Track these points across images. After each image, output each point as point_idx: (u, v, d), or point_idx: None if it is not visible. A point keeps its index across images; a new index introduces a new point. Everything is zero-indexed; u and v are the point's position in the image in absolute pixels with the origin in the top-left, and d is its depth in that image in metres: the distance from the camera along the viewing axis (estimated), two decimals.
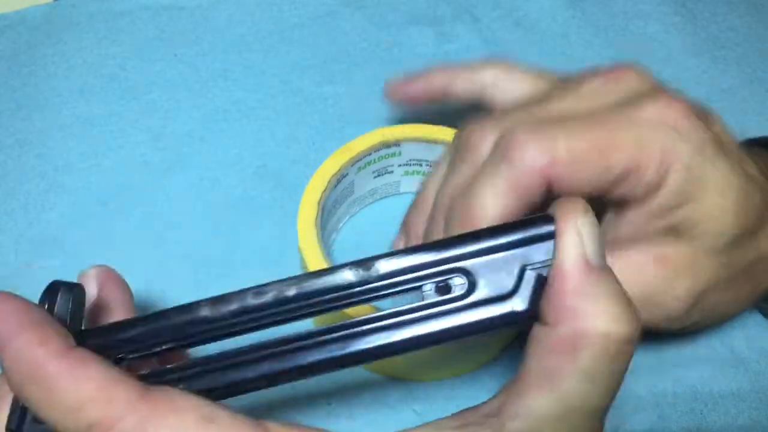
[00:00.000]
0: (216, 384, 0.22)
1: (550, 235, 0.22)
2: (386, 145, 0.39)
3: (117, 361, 0.23)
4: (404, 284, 0.22)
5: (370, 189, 0.42)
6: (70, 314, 0.23)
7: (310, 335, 0.22)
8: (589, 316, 0.21)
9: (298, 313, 0.23)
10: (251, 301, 0.22)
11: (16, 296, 0.21)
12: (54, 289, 0.23)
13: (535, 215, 0.23)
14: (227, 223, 0.43)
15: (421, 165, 0.41)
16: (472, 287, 0.22)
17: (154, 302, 0.40)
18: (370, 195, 0.43)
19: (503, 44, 0.53)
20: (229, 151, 0.46)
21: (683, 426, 0.37)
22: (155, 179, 0.45)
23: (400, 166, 0.41)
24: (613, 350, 0.21)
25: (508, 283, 0.22)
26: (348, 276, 0.22)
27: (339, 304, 0.23)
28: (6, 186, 0.44)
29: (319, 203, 0.36)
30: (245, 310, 0.22)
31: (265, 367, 0.22)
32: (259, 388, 0.22)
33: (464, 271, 0.22)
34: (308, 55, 0.52)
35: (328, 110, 0.49)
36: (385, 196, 0.44)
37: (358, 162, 0.39)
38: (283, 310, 0.22)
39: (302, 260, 0.36)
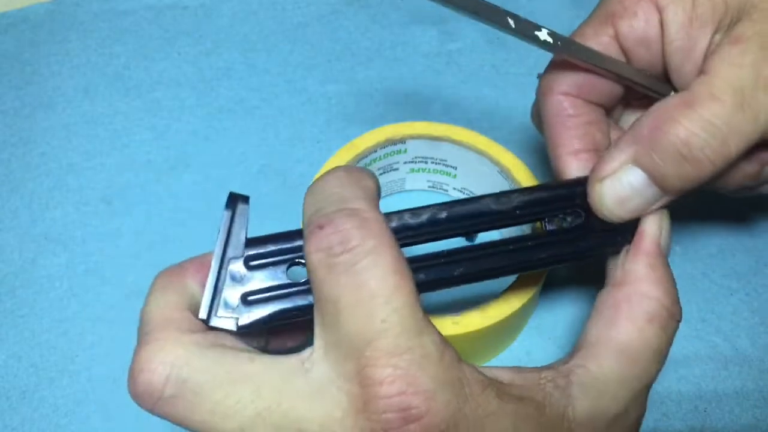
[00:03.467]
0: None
1: None
2: (392, 142, 0.39)
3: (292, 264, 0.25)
4: (535, 215, 0.27)
5: None
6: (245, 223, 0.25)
7: (476, 248, 0.27)
8: (650, 283, 0.26)
9: (448, 233, 0.27)
10: (409, 220, 0.26)
11: None
12: (234, 199, 0.25)
13: None
14: None
15: (426, 162, 0.41)
16: (587, 221, 0.28)
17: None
18: None
19: (507, 43, 0.53)
20: (233, 150, 0.47)
21: (687, 424, 0.37)
22: (159, 178, 0.45)
23: (405, 163, 0.41)
24: (663, 317, 0.25)
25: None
26: (489, 204, 0.27)
27: (477, 228, 0.27)
28: (10, 184, 0.44)
29: None
30: (405, 227, 0.26)
31: (440, 272, 0.26)
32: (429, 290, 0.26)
33: (582, 208, 0.28)
34: (312, 54, 0.52)
35: (331, 109, 0.49)
36: (391, 194, 0.44)
37: (364, 159, 0.39)
38: (436, 229, 0.26)
39: None
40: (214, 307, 0.24)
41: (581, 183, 0.28)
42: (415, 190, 0.44)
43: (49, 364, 0.38)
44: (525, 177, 0.38)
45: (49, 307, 0.40)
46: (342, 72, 0.51)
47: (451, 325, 0.33)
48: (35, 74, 0.50)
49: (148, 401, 0.22)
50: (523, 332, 0.40)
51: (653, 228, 0.27)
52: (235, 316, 0.24)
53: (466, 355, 0.36)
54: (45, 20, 0.53)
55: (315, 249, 0.22)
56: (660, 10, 0.28)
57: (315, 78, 0.50)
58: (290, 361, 0.22)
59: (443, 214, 0.26)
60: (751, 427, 0.37)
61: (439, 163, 0.41)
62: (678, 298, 0.26)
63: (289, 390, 0.21)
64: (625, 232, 0.27)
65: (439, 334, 0.22)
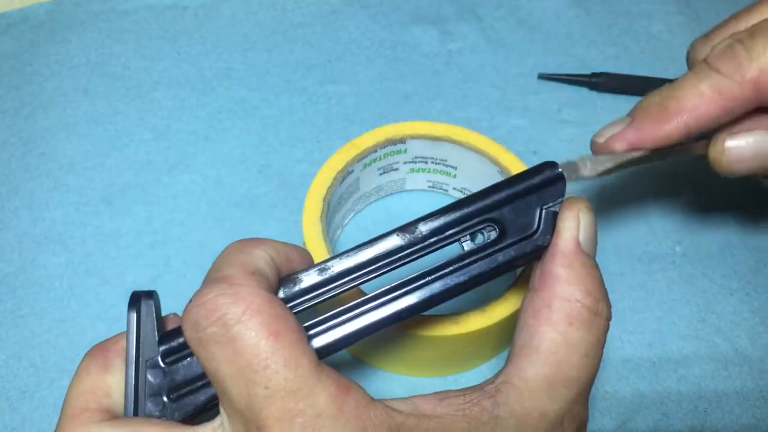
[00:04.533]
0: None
1: (560, 177, 0.27)
2: (392, 142, 0.39)
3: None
4: (446, 239, 0.26)
5: (375, 186, 0.42)
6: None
7: (392, 289, 0.26)
8: (569, 284, 0.25)
9: (365, 279, 0.26)
10: (317, 277, 0.25)
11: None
12: (136, 299, 0.25)
13: (543, 163, 0.27)
14: (231, 222, 0.43)
15: (426, 162, 0.41)
16: (503, 233, 0.26)
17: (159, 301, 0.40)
18: (376, 192, 0.43)
19: (507, 43, 0.53)
20: (233, 149, 0.47)
21: (687, 424, 0.37)
22: (159, 178, 0.45)
23: (405, 163, 0.41)
24: (585, 317, 0.24)
25: (532, 224, 0.26)
26: (396, 241, 0.26)
27: (391, 267, 0.26)
28: (10, 184, 0.44)
29: (324, 200, 0.36)
30: (314, 286, 0.26)
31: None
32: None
33: (494, 221, 0.26)
34: (312, 54, 0.52)
35: (331, 109, 0.49)
36: (391, 193, 0.44)
37: (364, 159, 0.39)
38: (351, 278, 0.26)
39: None
40: (139, 411, 0.24)
41: (488, 194, 0.27)
42: (415, 190, 0.44)
43: (49, 364, 0.38)
44: None
45: (49, 307, 0.40)
46: (342, 72, 0.51)
47: (451, 325, 0.33)
48: (35, 74, 0.50)
49: None
50: None
51: (569, 225, 0.26)
52: (163, 416, 0.24)
53: (467, 355, 0.37)
54: (45, 20, 0.53)
55: (187, 326, 0.22)
56: None
57: (315, 78, 0.50)
58: (205, 430, 0.22)
59: (347, 264, 0.26)
60: (751, 427, 0.37)
61: (439, 163, 0.41)
62: (603, 295, 0.25)
63: None
64: (544, 236, 0.26)
65: (337, 378, 0.21)
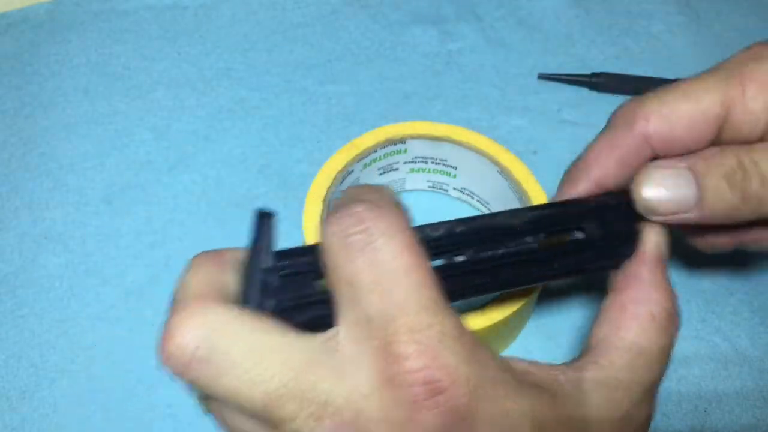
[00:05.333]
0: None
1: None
2: (392, 142, 0.39)
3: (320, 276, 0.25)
4: (544, 229, 0.28)
5: None
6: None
7: (484, 261, 0.27)
8: (653, 287, 0.27)
9: (465, 246, 0.27)
10: (429, 232, 0.26)
11: None
12: (264, 217, 0.25)
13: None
14: (231, 222, 0.43)
15: (426, 162, 0.41)
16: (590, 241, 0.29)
17: (159, 301, 0.40)
18: None
19: (507, 43, 0.53)
20: (233, 150, 0.47)
21: (687, 424, 0.37)
22: (159, 178, 0.45)
23: (405, 163, 0.41)
24: (665, 318, 0.26)
25: (616, 236, 0.29)
26: (511, 221, 0.28)
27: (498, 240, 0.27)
28: (10, 184, 0.44)
29: (324, 200, 0.36)
30: (426, 239, 0.26)
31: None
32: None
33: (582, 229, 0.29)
34: (312, 54, 0.52)
35: (331, 109, 0.49)
36: None
37: (364, 159, 0.39)
38: (453, 242, 0.27)
39: None
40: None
41: (586, 201, 0.29)
42: (415, 190, 0.44)
43: (49, 364, 0.38)
44: (524, 177, 0.38)
45: (49, 307, 0.40)
46: (342, 72, 0.51)
47: None
48: (35, 74, 0.50)
49: (178, 364, 0.22)
50: (523, 332, 0.40)
51: (656, 238, 0.28)
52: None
53: None
54: (45, 20, 0.53)
55: (330, 232, 0.22)
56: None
57: (315, 78, 0.50)
58: (318, 339, 0.22)
59: (460, 228, 0.27)
60: (751, 427, 0.37)
61: (439, 163, 0.41)
62: (678, 306, 0.27)
63: (317, 365, 0.22)
64: (624, 246, 0.28)
65: (458, 317, 0.23)
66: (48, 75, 0.50)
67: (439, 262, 0.26)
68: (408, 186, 0.44)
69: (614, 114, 0.31)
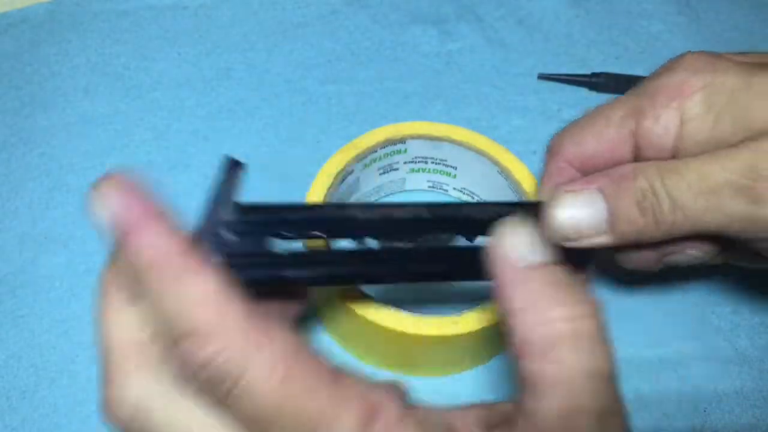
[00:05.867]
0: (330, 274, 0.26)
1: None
2: (392, 142, 0.39)
3: (278, 236, 0.25)
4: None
5: (375, 186, 0.42)
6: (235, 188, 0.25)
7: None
8: (531, 312, 0.22)
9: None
10: (395, 213, 0.27)
11: (138, 185, 0.22)
12: (233, 165, 0.25)
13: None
14: None
15: (426, 162, 0.41)
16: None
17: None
18: (376, 192, 0.43)
19: (507, 43, 0.53)
20: (233, 150, 0.46)
21: (687, 424, 0.37)
22: (159, 178, 0.45)
23: (405, 163, 0.41)
24: (565, 332, 0.22)
25: None
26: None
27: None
28: (10, 184, 0.44)
29: (324, 199, 0.36)
30: (389, 219, 0.27)
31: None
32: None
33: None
34: (312, 54, 0.52)
35: (331, 109, 0.49)
36: (391, 193, 0.44)
37: (364, 159, 0.39)
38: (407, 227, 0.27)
39: None
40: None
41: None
42: (415, 190, 0.44)
43: (49, 364, 0.38)
44: (525, 177, 0.38)
45: (49, 307, 0.40)
46: (342, 72, 0.51)
47: (451, 325, 0.33)
48: (35, 74, 0.50)
49: (119, 428, 0.23)
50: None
51: (505, 242, 0.23)
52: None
53: (466, 355, 0.37)
54: (45, 20, 0.53)
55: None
56: (682, 122, 0.28)
57: (315, 78, 0.50)
58: None
59: (425, 215, 0.27)
60: (751, 427, 0.37)
61: (439, 163, 0.41)
62: (575, 298, 0.22)
63: None
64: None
65: (362, 393, 0.21)
66: (48, 75, 0.50)
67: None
68: (408, 186, 0.44)
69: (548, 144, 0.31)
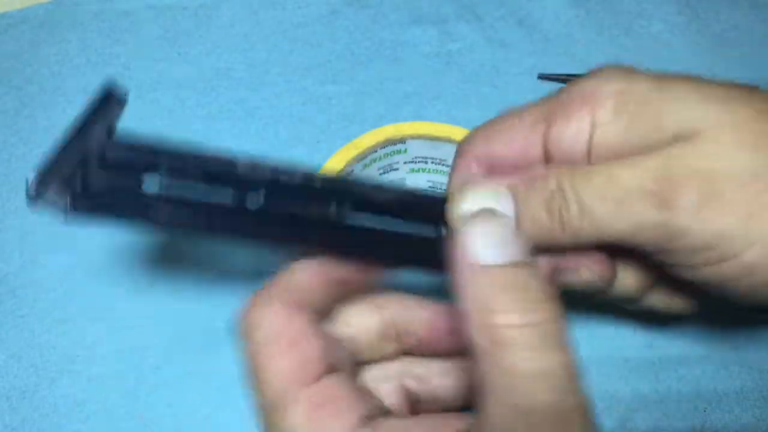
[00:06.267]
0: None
1: None
2: (392, 142, 0.39)
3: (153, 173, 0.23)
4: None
5: None
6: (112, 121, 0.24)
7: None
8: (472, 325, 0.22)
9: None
10: (283, 177, 0.25)
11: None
12: (111, 95, 0.24)
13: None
14: None
15: (426, 162, 0.41)
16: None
17: (160, 301, 0.40)
18: None
19: (507, 43, 0.53)
20: (233, 149, 0.46)
21: (687, 424, 0.37)
22: None
23: (405, 163, 0.41)
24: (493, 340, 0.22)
25: None
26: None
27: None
28: (10, 184, 0.44)
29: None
30: (276, 182, 0.25)
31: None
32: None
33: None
34: (312, 55, 0.52)
35: (332, 109, 0.49)
36: None
37: (364, 159, 0.39)
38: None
39: None
40: (51, 183, 0.21)
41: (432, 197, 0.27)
42: None
43: (49, 364, 0.38)
44: None
45: (49, 307, 0.40)
46: (342, 72, 0.51)
47: None
48: (35, 74, 0.50)
49: None
50: None
51: (457, 251, 0.23)
52: (71, 199, 0.22)
53: None
54: (45, 20, 0.53)
55: None
56: (593, 127, 0.27)
57: (315, 78, 0.50)
58: None
59: (317, 184, 0.25)
60: (751, 427, 0.37)
61: (439, 163, 0.41)
62: (513, 305, 0.22)
63: None
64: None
65: None
66: (48, 75, 0.50)
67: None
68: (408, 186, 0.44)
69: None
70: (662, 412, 0.37)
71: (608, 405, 0.37)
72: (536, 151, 0.28)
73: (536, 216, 0.26)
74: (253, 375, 0.24)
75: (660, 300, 0.32)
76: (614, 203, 0.25)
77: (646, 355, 0.39)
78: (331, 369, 0.24)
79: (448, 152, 0.40)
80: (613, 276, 0.29)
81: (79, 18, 0.53)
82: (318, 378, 0.24)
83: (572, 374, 0.21)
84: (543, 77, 0.51)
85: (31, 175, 0.21)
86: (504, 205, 0.26)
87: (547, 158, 0.28)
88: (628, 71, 0.27)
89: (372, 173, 0.41)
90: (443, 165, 0.42)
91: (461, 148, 0.30)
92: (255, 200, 0.25)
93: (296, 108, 0.49)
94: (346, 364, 0.26)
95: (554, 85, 0.51)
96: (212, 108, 0.49)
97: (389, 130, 0.39)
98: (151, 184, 0.23)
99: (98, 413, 0.36)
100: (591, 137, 0.27)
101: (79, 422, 0.36)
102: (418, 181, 0.43)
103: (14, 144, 0.46)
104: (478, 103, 0.49)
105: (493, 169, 0.29)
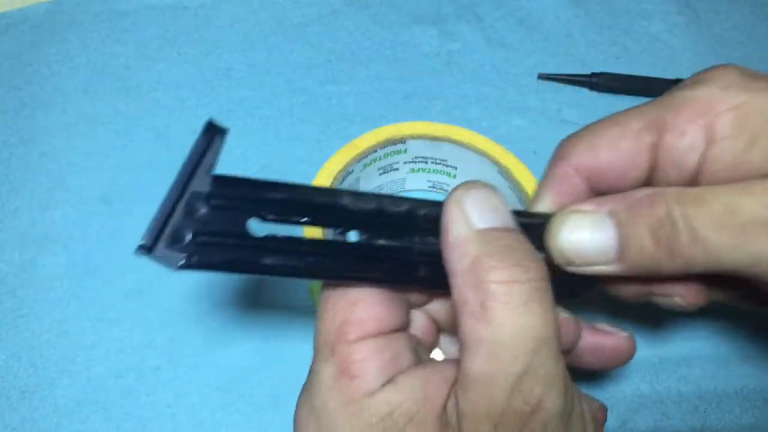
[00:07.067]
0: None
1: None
2: (392, 142, 0.39)
3: (256, 216, 0.23)
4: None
5: (375, 186, 0.42)
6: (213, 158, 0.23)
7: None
8: (468, 275, 0.23)
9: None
10: (388, 206, 0.24)
11: None
12: (212, 129, 0.23)
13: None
14: None
15: (426, 162, 0.41)
16: None
17: (160, 300, 0.40)
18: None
19: (507, 43, 0.53)
20: (234, 150, 0.46)
21: (687, 424, 0.37)
22: (159, 178, 0.45)
23: (405, 163, 0.41)
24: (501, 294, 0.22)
25: None
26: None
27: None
28: (10, 184, 0.44)
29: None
30: (381, 212, 0.24)
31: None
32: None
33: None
34: (312, 54, 0.52)
35: (332, 109, 0.49)
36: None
37: (364, 159, 0.39)
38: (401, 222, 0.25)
39: None
40: (162, 236, 0.21)
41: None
42: (415, 190, 0.44)
43: (49, 364, 0.38)
44: (524, 177, 0.38)
45: (49, 307, 0.40)
46: (342, 72, 0.51)
47: None
48: (35, 74, 0.50)
49: None
50: None
51: (448, 213, 0.24)
52: (182, 254, 0.22)
53: None
54: (45, 20, 0.53)
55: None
56: (709, 141, 0.25)
57: (315, 78, 0.50)
58: None
59: (422, 211, 0.25)
60: (751, 427, 0.37)
61: (439, 163, 0.41)
62: (517, 259, 0.23)
63: None
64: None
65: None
66: (48, 75, 0.50)
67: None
68: (408, 186, 0.44)
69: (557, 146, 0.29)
70: (662, 412, 0.37)
71: (608, 405, 0.37)
72: (642, 161, 0.26)
73: (642, 243, 0.24)
74: (317, 318, 0.25)
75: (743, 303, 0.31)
76: (732, 234, 0.23)
77: (646, 355, 0.39)
78: (378, 330, 0.25)
79: (448, 152, 0.40)
80: (705, 303, 0.29)
81: (79, 18, 0.53)
82: (359, 339, 0.24)
83: (555, 333, 0.22)
84: (543, 77, 0.51)
85: (144, 230, 0.21)
86: (605, 232, 0.25)
87: (652, 169, 0.27)
88: (747, 78, 0.25)
89: (372, 173, 0.41)
90: (443, 165, 0.42)
91: (562, 152, 0.28)
92: (363, 235, 0.25)
93: (296, 108, 0.49)
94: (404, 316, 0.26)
95: (555, 85, 0.51)
96: (212, 108, 0.49)
97: (389, 130, 0.39)
98: (257, 226, 0.23)
99: (98, 413, 0.36)
100: (705, 152, 0.25)
101: (79, 422, 0.36)
102: (419, 181, 0.43)
103: (14, 144, 0.46)
104: (478, 103, 0.49)
105: (593, 178, 0.27)
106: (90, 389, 0.37)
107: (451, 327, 0.29)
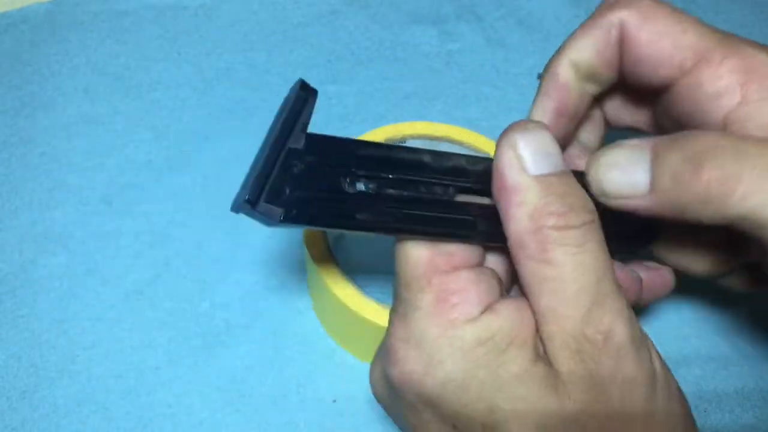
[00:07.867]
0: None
1: None
2: (392, 142, 0.39)
3: (346, 174, 0.24)
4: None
5: None
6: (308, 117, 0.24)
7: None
8: (526, 218, 0.24)
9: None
10: (464, 164, 0.26)
11: None
12: (306, 91, 0.24)
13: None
14: (231, 222, 0.43)
15: None
16: None
17: (160, 301, 0.40)
18: None
19: (507, 43, 0.53)
20: (234, 150, 0.47)
21: None
22: (159, 178, 0.45)
23: None
24: (556, 238, 0.23)
25: None
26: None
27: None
28: (10, 184, 0.44)
29: None
30: (457, 170, 0.26)
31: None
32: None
33: None
34: (312, 54, 0.52)
35: (332, 109, 0.49)
36: None
37: None
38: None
39: (306, 256, 0.36)
40: (264, 191, 0.22)
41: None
42: None
43: (49, 364, 0.38)
44: None
45: (49, 307, 0.40)
46: (342, 72, 0.51)
47: None
48: (35, 74, 0.50)
49: None
50: None
51: (503, 158, 0.24)
52: (281, 208, 0.22)
53: None
54: (45, 20, 0.53)
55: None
56: (742, 102, 0.26)
57: (315, 78, 0.50)
58: None
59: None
60: (751, 427, 0.37)
61: None
62: (573, 204, 0.24)
63: None
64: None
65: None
66: (48, 75, 0.50)
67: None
68: None
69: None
70: None
71: None
72: (685, 50, 0.28)
73: (675, 170, 0.24)
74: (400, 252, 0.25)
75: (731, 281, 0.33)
76: None
77: None
78: (466, 263, 0.25)
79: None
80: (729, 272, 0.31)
81: (79, 18, 0.53)
82: (452, 270, 0.25)
83: (612, 267, 0.24)
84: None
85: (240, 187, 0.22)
86: (641, 162, 0.25)
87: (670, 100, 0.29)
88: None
89: None
90: None
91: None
92: (446, 191, 0.26)
93: None
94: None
95: None
96: (212, 108, 0.49)
97: (389, 130, 0.39)
98: (354, 183, 0.24)
99: (98, 413, 0.36)
100: (735, 109, 0.26)
101: (79, 422, 0.36)
102: None
103: (14, 144, 0.46)
104: (478, 103, 0.49)
105: (631, 42, 0.29)
106: (90, 389, 0.37)
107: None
